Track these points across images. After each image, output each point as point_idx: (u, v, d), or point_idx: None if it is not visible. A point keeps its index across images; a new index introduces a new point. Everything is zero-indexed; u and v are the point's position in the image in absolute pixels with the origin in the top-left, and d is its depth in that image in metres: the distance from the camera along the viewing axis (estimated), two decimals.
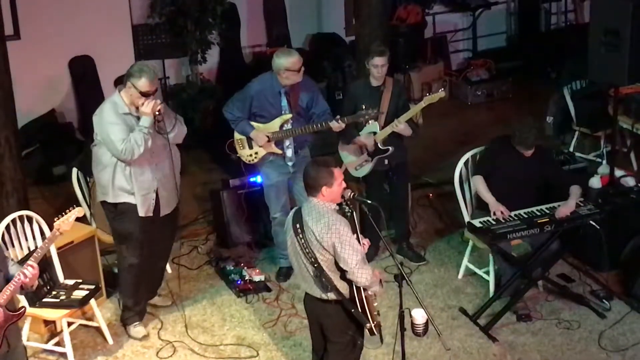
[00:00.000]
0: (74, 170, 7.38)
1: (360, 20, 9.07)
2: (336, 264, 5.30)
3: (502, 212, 6.78)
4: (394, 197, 7.79)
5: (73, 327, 6.68)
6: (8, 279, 5.08)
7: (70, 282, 6.59)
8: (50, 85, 9.93)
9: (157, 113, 6.33)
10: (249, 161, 7.34)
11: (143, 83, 6.26)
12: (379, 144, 7.42)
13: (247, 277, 7.48)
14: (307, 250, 5.27)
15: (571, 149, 9.33)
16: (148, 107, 6.27)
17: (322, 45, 11.57)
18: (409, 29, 11.62)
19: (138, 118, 6.35)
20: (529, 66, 12.54)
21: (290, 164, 7.30)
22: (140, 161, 6.38)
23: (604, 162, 8.82)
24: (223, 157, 9.54)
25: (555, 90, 10.05)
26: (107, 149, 6.36)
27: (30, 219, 6.57)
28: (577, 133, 9.59)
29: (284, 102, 7.12)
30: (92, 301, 6.55)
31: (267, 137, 7.15)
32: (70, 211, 5.41)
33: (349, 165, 7.58)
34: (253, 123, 7.18)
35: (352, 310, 5.36)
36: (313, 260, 5.27)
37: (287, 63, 6.96)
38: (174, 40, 10.40)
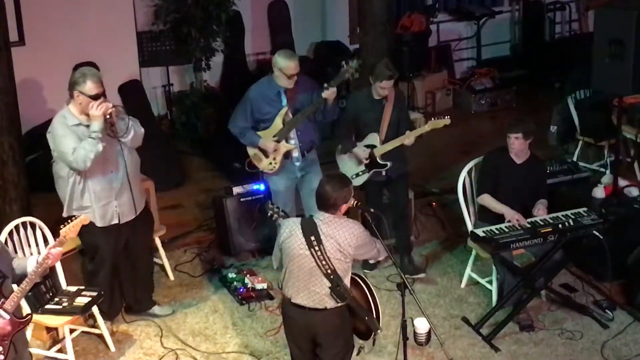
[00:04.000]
0: None
1: (365, 29, 9.09)
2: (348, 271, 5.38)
3: (517, 220, 6.79)
4: (394, 207, 7.69)
5: (75, 334, 6.67)
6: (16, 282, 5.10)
7: (73, 288, 6.59)
8: (55, 92, 9.92)
9: (107, 116, 6.22)
10: (271, 170, 7.28)
11: (90, 86, 6.21)
12: (377, 158, 7.39)
13: (249, 285, 7.47)
14: (323, 262, 5.24)
15: (575, 159, 9.33)
16: (98, 109, 6.17)
17: (326, 53, 11.58)
18: (413, 38, 11.63)
19: (88, 127, 6.30)
20: (533, 75, 12.56)
21: (297, 164, 7.29)
22: (94, 171, 6.35)
23: (608, 171, 8.82)
24: (226, 165, 9.58)
25: (559, 100, 10.05)
26: (62, 161, 6.37)
27: (33, 225, 6.56)
28: (580, 142, 9.59)
29: (284, 102, 7.14)
30: (95, 308, 6.55)
31: (274, 141, 7.15)
32: (76, 218, 5.41)
33: (346, 173, 7.46)
34: (260, 132, 7.18)
35: (366, 318, 5.39)
36: (330, 271, 5.25)
37: (282, 63, 7.00)
38: (178, 47, 10.42)
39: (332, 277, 5.25)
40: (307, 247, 5.25)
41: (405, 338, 5.52)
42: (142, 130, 6.62)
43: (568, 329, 6.88)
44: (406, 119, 7.53)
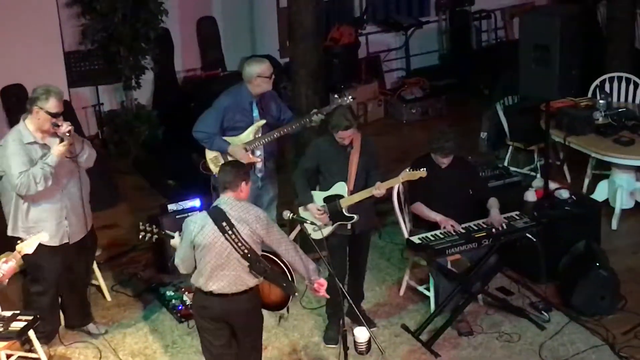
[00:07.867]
0: None
1: (294, 42, 9.09)
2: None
3: (452, 226, 6.84)
4: (352, 264, 6.98)
5: (12, 359, 6.56)
6: None
7: (8, 313, 6.46)
8: None
9: (68, 134, 6.20)
10: None
11: (52, 104, 6.20)
12: (343, 210, 6.72)
13: (188, 302, 7.41)
14: (239, 243, 5.37)
15: (505, 164, 9.45)
16: (64, 127, 6.17)
17: None
18: (342, 50, 11.69)
19: (44, 145, 6.27)
20: (462, 83, 12.68)
21: (260, 175, 7.30)
22: (48, 189, 6.27)
23: (538, 175, 8.97)
24: (160, 183, 9.53)
25: (488, 106, 10.18)
26: (6, 181, 6.29)
27: None
28: (510, 148, 9.72)
29: (256, 113, 7.16)
30: (31, 332, 6.45)
31: (245, 148, 7.13)
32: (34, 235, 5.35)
33: (307, 225, 6.44)
34: (226, 138, 7.14)
35: (284, 284, 5.66)
36: (247, 250, 5.39)
37: (259, 70, 7.08)
38: (107, 66, 10.34)
39: (249, 255, 5.40)
40: (220, 234, 5.38)
41: (345, 348, 5.54)
42: (95, 152, 6.68)
43: (506, 331, 6.97)
44: (376, 166, 6.89)
